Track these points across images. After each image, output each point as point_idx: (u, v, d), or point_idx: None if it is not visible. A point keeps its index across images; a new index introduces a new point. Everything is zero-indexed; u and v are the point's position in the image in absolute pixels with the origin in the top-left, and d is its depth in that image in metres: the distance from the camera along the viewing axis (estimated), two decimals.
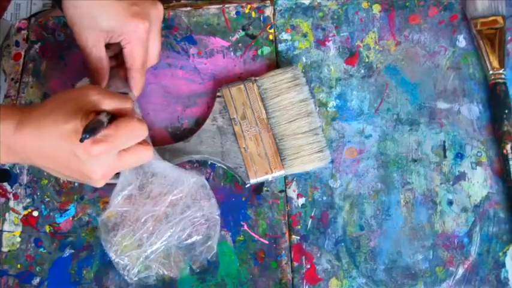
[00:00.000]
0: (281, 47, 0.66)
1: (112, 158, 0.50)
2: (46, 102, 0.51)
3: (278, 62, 0.66)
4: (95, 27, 0.57)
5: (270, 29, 0.66)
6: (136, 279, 0.56)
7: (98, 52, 0.58)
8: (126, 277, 0.56)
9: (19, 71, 0.66)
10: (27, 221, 0.62)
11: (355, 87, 0.65)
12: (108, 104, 0.50)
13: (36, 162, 0.52)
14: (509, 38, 0.65)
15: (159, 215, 0.56)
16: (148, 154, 0.53)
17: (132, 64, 0.60)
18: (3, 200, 0.62)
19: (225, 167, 0.62)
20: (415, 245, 0.60)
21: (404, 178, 0.62)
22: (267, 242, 0.61)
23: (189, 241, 0.57)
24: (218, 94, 0.62)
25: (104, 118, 0.48)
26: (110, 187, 0.62)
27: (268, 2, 0.67)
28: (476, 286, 0.59)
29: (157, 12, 0.60)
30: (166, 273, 0.57)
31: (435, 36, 0.66)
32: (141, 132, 0.51)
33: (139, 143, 0.51)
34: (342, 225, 0.61)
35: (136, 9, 0.58)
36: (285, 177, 0.62)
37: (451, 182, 0.62)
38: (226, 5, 0.67)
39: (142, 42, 0.58)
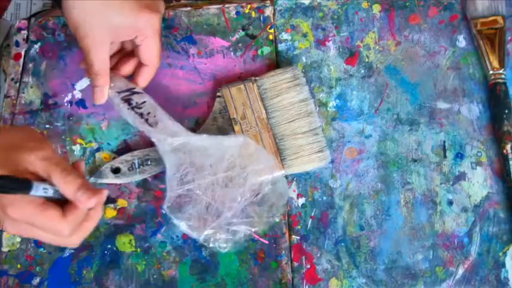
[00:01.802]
0: (281, 47, 0.66)
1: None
2: None
3: (278, 62, 0.66)
4: (105, 26, 0.55)
5: (270, 29, 0.66)
6: (231, 245, 0.57)
7: (103, 53, 0.57)
8: (221, 250, 0.57)
9: (19, 71, 0.66)
10: None
11: (355, 87, 0.65)
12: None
13: None
14: (509, 38, 0.65)
15: (223, 181, 0.57)
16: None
17: (150, 60, 0.59)
18: None
19: None
20: (415, 245, 0.60)
21: (404, 178, 0.62)
22: (267, 242, 0.61)
23: (260, 194, 0.58)
24: (218, 94, 0.62)
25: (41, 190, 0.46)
26: (109, 187, 0.62)
27: (268, 2, 0.67)
28: (476, 286, 0.59)
29: (163, 5, 0.60)
30: (254, 229, 0.57)
31: (435, 36, 0.66)
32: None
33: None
34: (342, 225, 0.61)
35: (145, 1, 0.57)
36: (285, 177, 0.62)
37: (451, 182, 0.62)
38: (226, 5, 0.67)
39: (158, 34, 0.58)
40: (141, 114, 0.58)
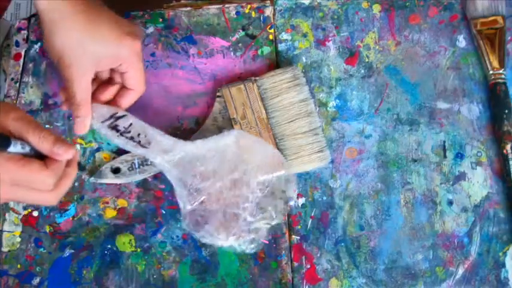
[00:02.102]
0: (281, 47, 0.66)
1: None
2: None
3: (278, 62, 0.66)
4: (90, 56, 0.55)
5: (270, 29, 0.66)
6: (257, 244, 0.57)
7: (86, 83, 0.56)
8: (250, 251, 0.57)
9: (19, 71, 0.66)
10: (27, 221, 0.62)
11: (355, 87, 0.65)
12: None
13: None
14: (509, 38, 0.65)
15: (230, 183, 0.57)
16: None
17: (136, 85, 0.59)
18: None
19: None
20: (415, 245, 0.60)
21: (404, 178, 0.62)
22: (267, 242, 0.61)
23: (269, 186, 0.58)
24: (218, 94, 0.62)
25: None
26: (109, 186, 0.62)
27: (268, 2, 0.67)
28: (476, 286, 0.59)
29: (141, 31, 0.60)
30: (273, 222, 0.58)
31: (435, 36, 0.66)
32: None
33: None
34: (342, 225, 0.61)
35: (127, 29, 0.57)
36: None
37: (451, 182, 0.62)
38: (226, 5, 0.67)
39: (142, 60, 0.58)
40: (131, 138, 0.57)
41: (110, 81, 0.61)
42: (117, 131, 0.58)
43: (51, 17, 0.54)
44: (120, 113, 0.58)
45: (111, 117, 0.58)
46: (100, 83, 0.61)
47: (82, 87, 0.56)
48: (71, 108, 0.57)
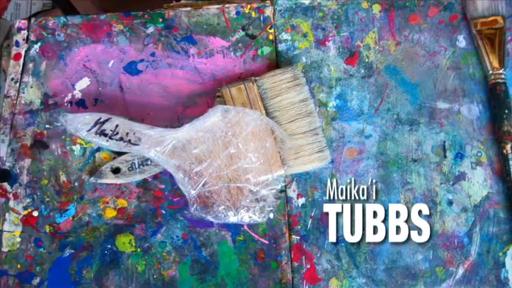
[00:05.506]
0: (281, 47, 0.66)
1: None
2: None
3: (278, 62, 0.66)
4: None
5: (270, 29, 0.66)
6: (268, 211, 0.59)
7: None
8: (263, 219, 0.58)
9: (19, 71, 0.66)
10: (27, 221, 0.62)
11: (355, 87, 0.65)
12: None
13: None
14: (509, 38, 0.65)
15: (227, 159, 0.58)
16: None
17: None
18: (3, 200, 0.62)
19: None
20: (415, 245, 0.60)
21: (404, 178, 0.62)
22: (267, 242, 0.61)
23: (264, 150, 0.59)
24: (218, 94, 0.62)
25: None
26: (109, 186, 0.62)
27: (268, 2, 0.67)
28: (476, 286, 0.59)
29: None
30: (278, 187, 0.59)
31: (435, 36, 0.66)
32: None
33: None
34: (342, 225, 0.61)
35: None
36: (285, 177, 0.62)
37: (451, 182, 0.62)
38: (226, 5, 0.67)
39: None
40: (121, 139, 0.58)
41: None
42: (105, 135, 0.58)
43: None
44: (103, 117, 0.59)
45: (95, 123, 0.58)
46: None
47: None
48: None
